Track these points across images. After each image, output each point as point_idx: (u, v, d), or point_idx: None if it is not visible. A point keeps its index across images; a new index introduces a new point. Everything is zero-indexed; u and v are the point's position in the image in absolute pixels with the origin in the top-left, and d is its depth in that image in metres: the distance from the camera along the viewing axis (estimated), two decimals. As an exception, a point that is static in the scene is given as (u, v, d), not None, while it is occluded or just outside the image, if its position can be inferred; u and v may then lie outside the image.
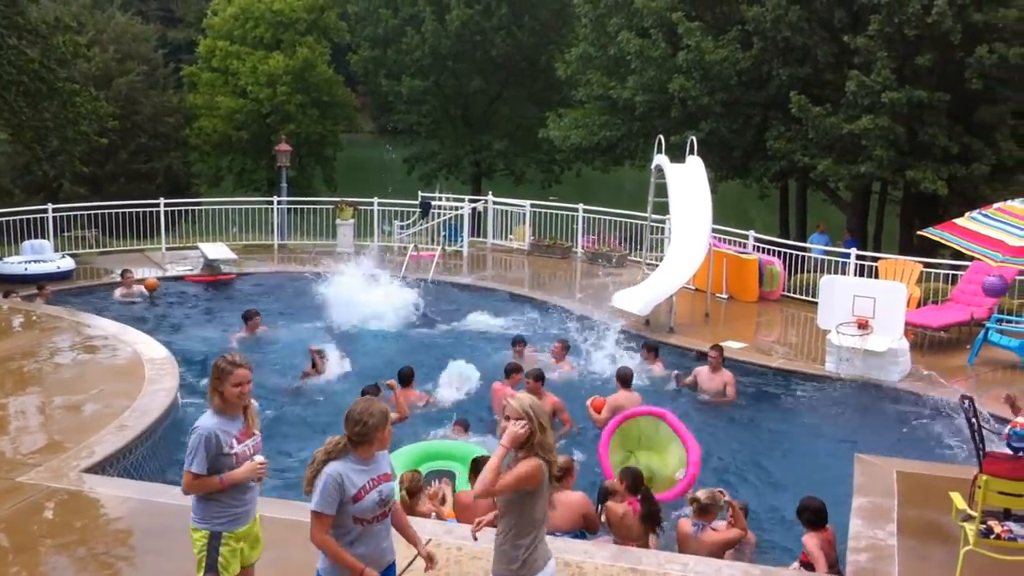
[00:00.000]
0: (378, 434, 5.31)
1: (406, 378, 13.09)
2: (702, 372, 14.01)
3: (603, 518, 9.02)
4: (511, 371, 12.94)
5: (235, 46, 38.53)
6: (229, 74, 38.51)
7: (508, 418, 5.25)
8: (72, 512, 8.41)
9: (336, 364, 14.61)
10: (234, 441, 5.82)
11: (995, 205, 12.34)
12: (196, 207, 25.94)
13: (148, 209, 22.96)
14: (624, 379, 12.75)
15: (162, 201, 23.03)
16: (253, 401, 6.13)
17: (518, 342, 15.02)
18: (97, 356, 13.38)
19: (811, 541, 8.32)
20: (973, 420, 8.52)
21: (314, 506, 5.25)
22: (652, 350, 15.08)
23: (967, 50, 22.74)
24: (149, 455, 10.13)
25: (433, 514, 8.98)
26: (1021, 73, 23.07)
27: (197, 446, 5.73)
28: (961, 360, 15.13)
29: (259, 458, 5.91)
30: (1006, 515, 7.43)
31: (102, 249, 22.97)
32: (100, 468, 9.29)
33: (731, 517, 8.70)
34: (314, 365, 14.29)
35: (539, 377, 12.51)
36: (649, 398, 13.57)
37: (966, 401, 8.64)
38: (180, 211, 24.72)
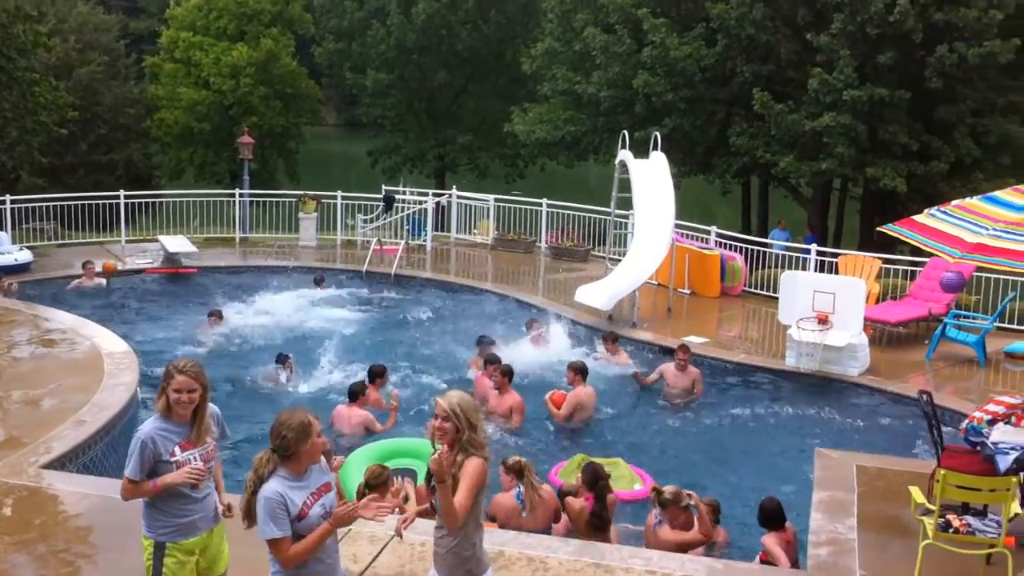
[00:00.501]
0: (301, 448, 5.09)
1: (375, 375, 12.94)
2: (668, 370, 14.00)
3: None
4: (489, 362, 12.99)
5: (198, 37, 38.07)
6: (192, 65, 38.06)
7: (436, 416, 5.21)
8: (31, 509, 8.32)
9: (307, 368, 14.40)
10: (176, 448, 5.61)
11: (954, 202, 12.42)
12: (157, 199, 25.67)
13: (108, 201, 22.69)
14: (581, 371, 12.79)
15: (122, 193, 22.75)
16: (213, 407, 5.88)
17: (484, 343, 14.69)
18: (55, 350, 13.23)
19: (770, 540, 8.38)
20: (931, 415, 8.64)
21: (268, 535, 5.03)
22: (612, 340, 15.11)
23: (928, 49, 23.00)
24: (108, 451, 10.02)
25: (396, 510, 8.96)
26: (980, 72, 23.37)
27: (133, 450, 5.57)
28: (919, 355, 15.32)
29: (195, 464, 5.64)
30: (964, 509, 7.53)
31: (61, 241, 22.68)
32: (59, 464, 9.19)
33: (697, 519, 8.71)
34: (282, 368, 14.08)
35: (507, 372, 12.54)
36: (610, 391, 13.67)
37: (924, 396, 8.77)
38: (140, 203, 24.41)
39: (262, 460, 5.12)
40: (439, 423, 5.19)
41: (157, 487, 5.56)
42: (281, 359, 14.09)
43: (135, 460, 5.55)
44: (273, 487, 5.04)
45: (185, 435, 5.66)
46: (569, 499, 9.00)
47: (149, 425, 5.63)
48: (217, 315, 16.60)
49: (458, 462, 5.16)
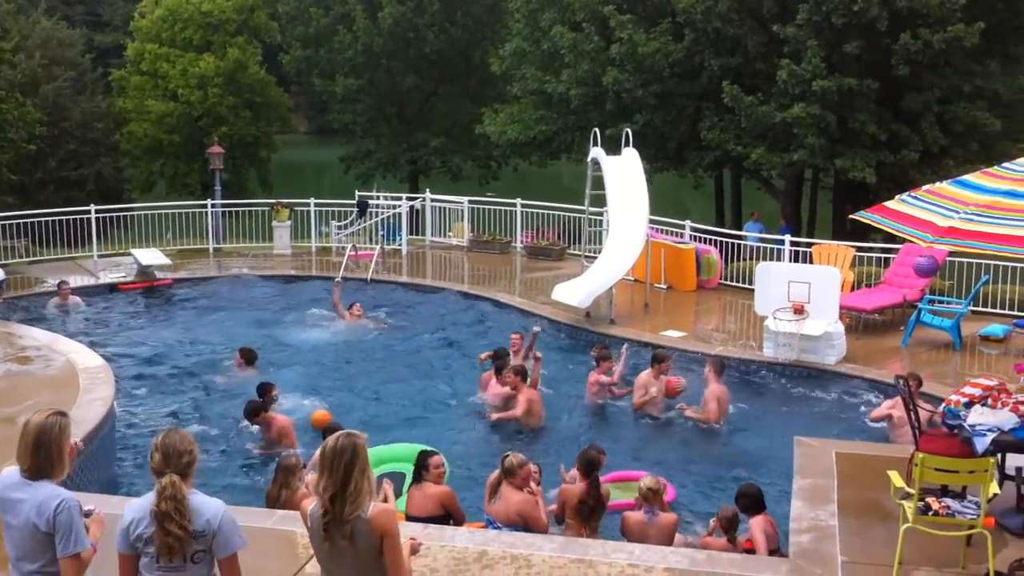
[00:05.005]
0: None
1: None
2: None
3: (556, 507, 9.04)
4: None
5: (164, 48, 37.90)
6: (159, 77, 37.87)
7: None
8: (8, 527, 8.22)
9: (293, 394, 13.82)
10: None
11: (924, 187, 12.45)
12: (128, 213, 25.49)
13: (79, 216, 22.53)
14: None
15: (93, 208, 22.58)
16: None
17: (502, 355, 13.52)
18: (30, 367, 13.11)
19: (757, 524, 8.40)
20: (908, 399, 8.70)
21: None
22: (660, 361, 13.23)
23: (893, 37, 23.14)
24: (86, 466, 9.92)
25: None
26: (946, 58, 23.52)
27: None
28: (895, 341, 15.41)
29: (89, 506, 5.18)
30: (943, 492, 7.56)
31: (33, 258, 22.47)
32: (36, 481, 9.08)
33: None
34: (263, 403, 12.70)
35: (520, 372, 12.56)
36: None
37: (901, 381, 8.83)
38: (112, 218, 24.26)
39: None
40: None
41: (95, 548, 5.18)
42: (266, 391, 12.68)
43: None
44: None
45: None
46: (565, 486, 9.00)
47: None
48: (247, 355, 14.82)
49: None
